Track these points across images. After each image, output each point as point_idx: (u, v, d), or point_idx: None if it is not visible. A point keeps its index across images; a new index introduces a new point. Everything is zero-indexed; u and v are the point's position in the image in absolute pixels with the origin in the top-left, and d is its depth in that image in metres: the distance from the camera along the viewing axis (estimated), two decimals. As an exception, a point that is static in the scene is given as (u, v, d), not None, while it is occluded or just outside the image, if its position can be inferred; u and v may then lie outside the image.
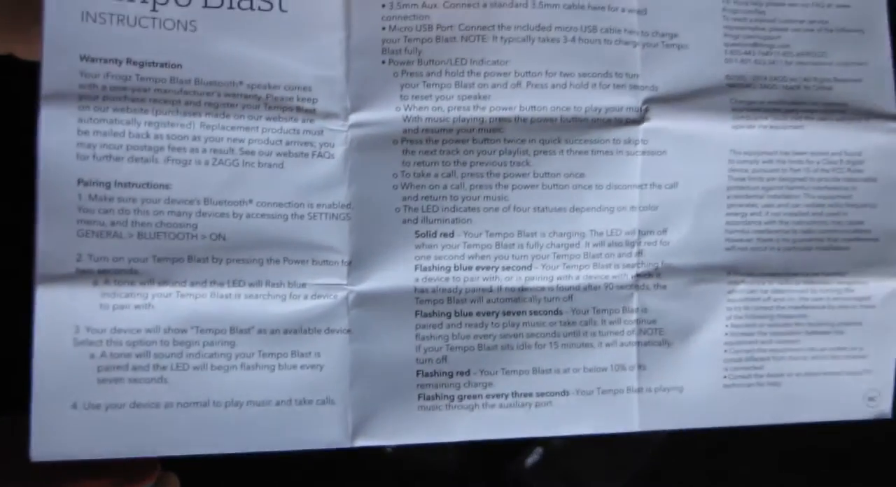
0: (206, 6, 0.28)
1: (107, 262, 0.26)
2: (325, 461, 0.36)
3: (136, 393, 0.26)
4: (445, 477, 0.37)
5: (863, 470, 0.39)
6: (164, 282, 0.26)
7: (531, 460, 0.37)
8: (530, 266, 0.29)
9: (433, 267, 0.28)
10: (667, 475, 0.38)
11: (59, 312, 0.26)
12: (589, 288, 0.29)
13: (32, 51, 0.30)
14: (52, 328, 0.25)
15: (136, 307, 0.26)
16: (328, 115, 0.28)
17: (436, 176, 0.29)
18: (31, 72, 0.29)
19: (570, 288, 0.29)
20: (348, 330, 0.28)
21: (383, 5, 0.29)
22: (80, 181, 0.26)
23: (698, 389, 0.30)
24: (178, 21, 0.27)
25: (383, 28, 0.29)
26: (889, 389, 0.31)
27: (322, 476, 0.36)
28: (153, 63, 0.27)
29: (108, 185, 0.26)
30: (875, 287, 0.31)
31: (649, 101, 0.30)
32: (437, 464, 0.36)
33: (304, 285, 0.28)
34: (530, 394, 0.29)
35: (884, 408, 0.31)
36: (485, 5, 0.29)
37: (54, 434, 0.25)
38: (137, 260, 0.26)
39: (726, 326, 0.30)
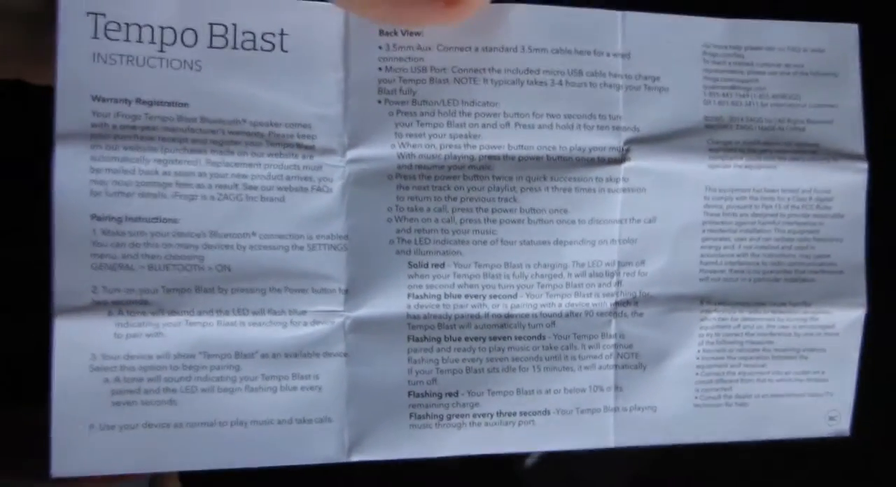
0: (210, 46, 0.29)
1: (120, 294, 0.28)
2: None
3: (147, 414, 0.28)
4: (446, 476, 0.38)
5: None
6: (173, 312, 0.28)
7: (531, 460, 0.37)
8: (516, 294, 0.31)
9: (425, 296, 0.30)
10: (667, 475, 0.39)
11: (76, 341, 0.27)
12: (570, 315, 0.31)
13: (41, 76, 0.31)
14: (70, 356, 0.27)
15: (148, 335, 0.28)
16: (326, 152, 0.30)
17: (428, 210, 0.30)
18: (40, 97, 0.30)
19: (552, 315, 0.31)
20: (345, 354, 0.30)
21: (380, 47, 0.30)
22: (93, 216, 0.28)
23: (671, 409, 0.32)
24: (185, 61, 0.29)
25: (379, 69, 0.30)
26: (848, 410, 0.33)
27: (323, 473, 0.38)
28: (161, 102, 0.28)
29: (119, 220, 0.28)
30: (838, 316, 0.33)
31: (630, 142, 0.31)
32: (438, 463, 0.37)
33: (304, 312, 0.29)
34: (514, 413, 0.31)
35: (843, 427, 0.33)
36: (476, 49, 0.30)
37: (72, 452, 0.27)
38: (148, 291, 0.28)
39: (698, 351, 0.32)
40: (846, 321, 0.33)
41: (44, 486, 0.30)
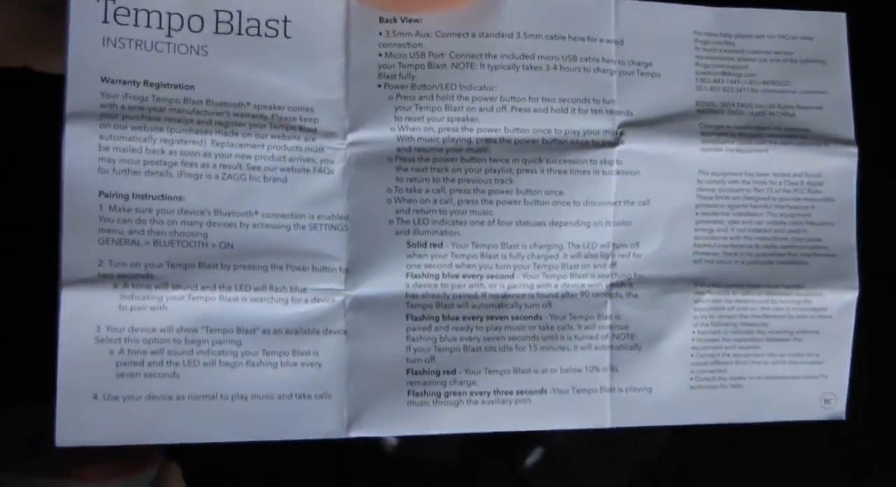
0: (216, 32, 0.30)
1: (125, 267, 0.29)
2: (327, 458, 0.37)
3: (151, 386, 0.29)
4: (446, 477, 0.38)
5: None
6: (177, 286, 0.29)
7: (531, 460, 0.37)
8: (512, 275, 0.31)
9: (423, 275, 0.31)
10: (668, 476, 0.39)
11: (82, 313, 0.28)
12: (566, 295, 0.32)
13: (48, 63, 0.32)
14: (76, 327, 0.28)
15: (152, 308, 0.29)
16: (328, 134, 0.30)
17: (426, 191, 0.31)
18: (46, 84, 0.31)
19: (548, 296, 0.32)
20: (345, 332, 0.30)
21: (380, 33, 0.31)
22: (101, 193, 0.28)
23: (666, 390, 0.32)
24: (191, 46, 0.30)
25: (380, 54, 0.31)
26: (843, 392, 0.33)
27: (324, 474, 0.38)
28: (168, 84, 0.29)
29: (126, 197, 0.29)
30: (831, 298, 0.33)
31: (624, 125, 0.32)
32: (438, 463, 0.37)
33: (304, 290, 0.30)
34: (511, 392, 0.31)
35: (838, 410, 0.33)
36: (474, 35, 0.31)
37: (77, 422, 0.28)
38: (153, 265, 0.29)
39: (693, 332, 0.33)
40: (839, 303, 0.33)
41: (46, 481, 0.31)
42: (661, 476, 0.38)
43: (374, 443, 0.35)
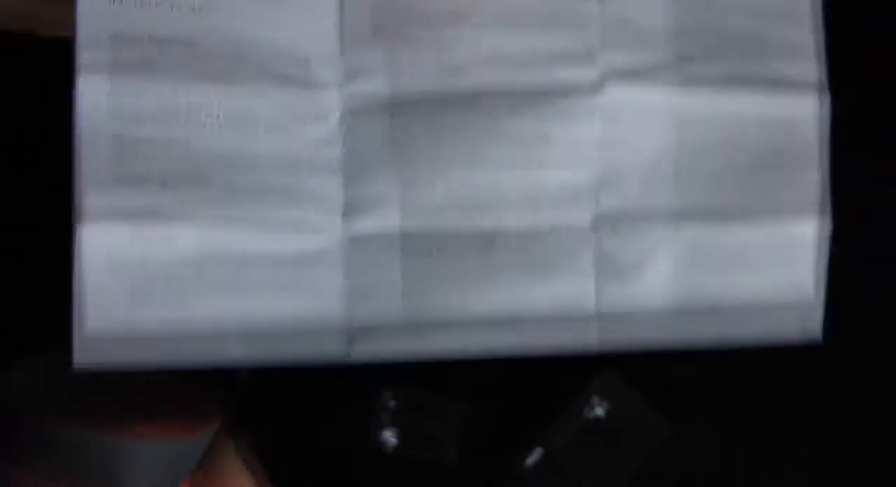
0: None
1: (136, 206, 0.31)
2: (327, 457, 0.38)
3: (162, 313, 0.31)
4: (446, 477, 0.39)
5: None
6: (185, 222, 0.31)
7: (531, 460, 0.38)
8: (501, 212, 0.33)
9: (416, 213, 0.33)
10: (667, 475, 0.39)
11: (97, 246, 0.30)
12: (553, 230, 0.34)
13: (53, 28, 0.34)
14: (91, 260, 0.30)
15: (161, 242, 0.31)
16: (325, 85, 0.33)
17: (419, 136, 0.33)
18: (51, 48, 0.33)
19: (536, 232, 0.33)
20: (344, 264, 0.32)
21: None
22: (112, 137, 0.31)
23: (649, 316, 0.34)
24: (194, 5, 0.32)
25: (374, 10, 0.33)
26: (819, 317, 0.35)
27: (325, 473, 0.38)
28: (173, 40, 0.31)
29: (136, 142, 0.31)
30: (807, 229, 0.35)
31: (606, 75, 0.34)
32: (437, 463, 0.38)
33: (304, 227, 0.32)
34: (502, 320, 0.33)
35: (814, 332, 0.35)
36: None
37: (94, 345, 0.30)
38: (162, 203, 0.31)
39: (675, 262, 0.34)
40: (814, 234, 0.35)
41: (99, 436, 0.31)
42: (662, 476, 0.38)
43: (374, 443, 0.37)
